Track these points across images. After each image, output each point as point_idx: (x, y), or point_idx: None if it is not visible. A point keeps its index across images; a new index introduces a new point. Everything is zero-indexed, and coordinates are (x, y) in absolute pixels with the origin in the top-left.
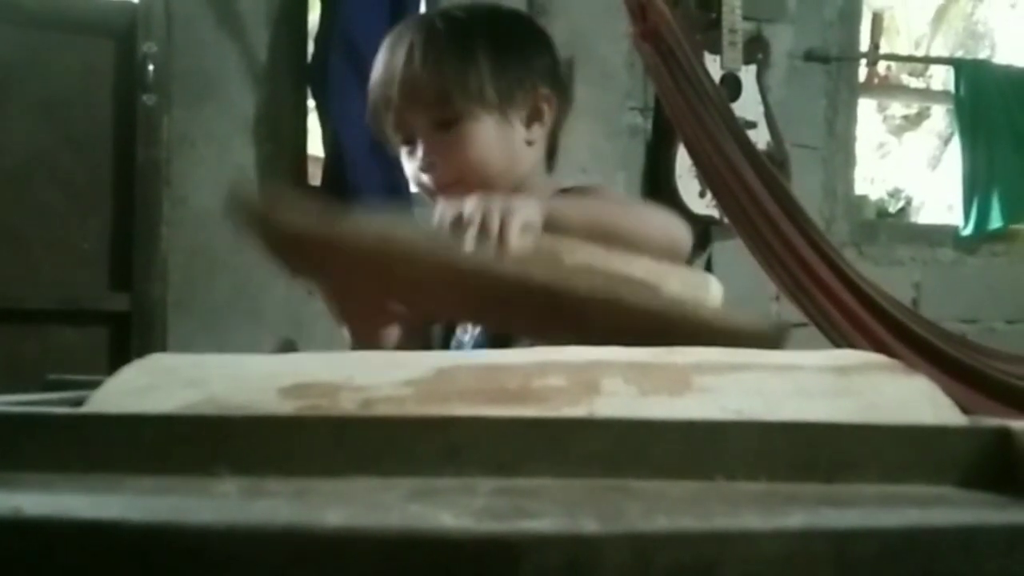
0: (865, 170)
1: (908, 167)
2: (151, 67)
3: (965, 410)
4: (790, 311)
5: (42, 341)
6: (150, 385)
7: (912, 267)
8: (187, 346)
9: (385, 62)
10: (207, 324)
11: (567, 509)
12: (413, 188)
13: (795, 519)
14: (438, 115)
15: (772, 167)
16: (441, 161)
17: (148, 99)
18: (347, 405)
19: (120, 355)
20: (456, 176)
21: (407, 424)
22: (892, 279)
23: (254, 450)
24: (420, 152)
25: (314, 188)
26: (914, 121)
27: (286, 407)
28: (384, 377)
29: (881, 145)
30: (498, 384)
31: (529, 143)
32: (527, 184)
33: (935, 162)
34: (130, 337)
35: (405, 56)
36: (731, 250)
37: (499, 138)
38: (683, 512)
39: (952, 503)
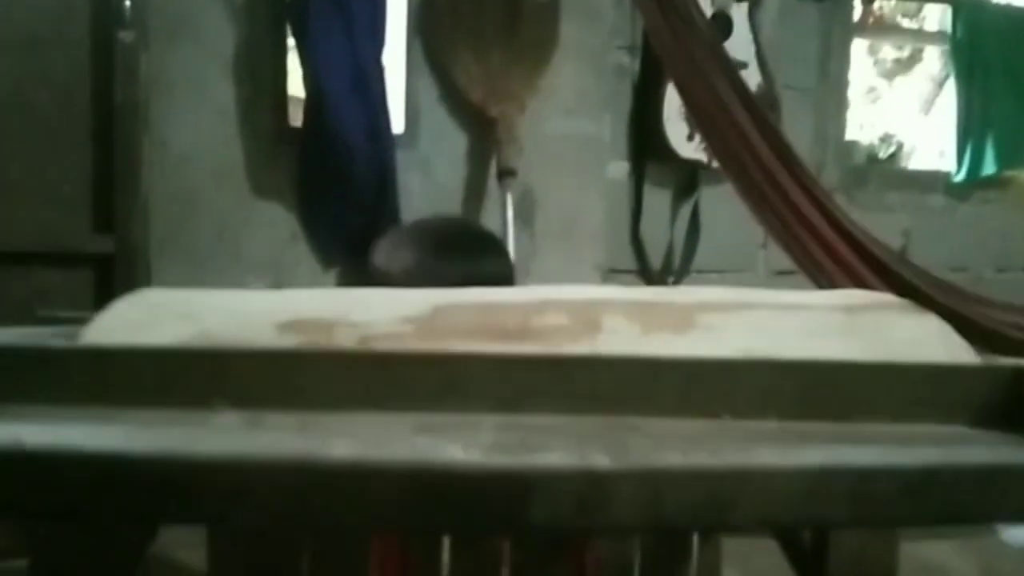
0: (855, 114)
1: (899, 112)
2: (128, 2)
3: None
4: (777, 258)
5: (27, 283)
6: (143, 319)
7: (902, 213)
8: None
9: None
10: (190, 267)
11: (575, 444)
12: None
13: (812, 456)
14: None
15: (766, 111)
16: None
17: (126, 36)
18: (345, 342)
19: (105, 297)
20: None
21: (409, 359)
22: (882, 225)
23: (254, 384)
24: None
25: (295, 130)
26: (906, 64)
27: (284, 342)
28: (381, 314)
29: (871, 89)
30: (497, 322)
31: None
32: None
33: (928, 106)
34: (114, 279)
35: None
36: (718, 195)
37: None
38: (694, 449)
39: (969, 441)
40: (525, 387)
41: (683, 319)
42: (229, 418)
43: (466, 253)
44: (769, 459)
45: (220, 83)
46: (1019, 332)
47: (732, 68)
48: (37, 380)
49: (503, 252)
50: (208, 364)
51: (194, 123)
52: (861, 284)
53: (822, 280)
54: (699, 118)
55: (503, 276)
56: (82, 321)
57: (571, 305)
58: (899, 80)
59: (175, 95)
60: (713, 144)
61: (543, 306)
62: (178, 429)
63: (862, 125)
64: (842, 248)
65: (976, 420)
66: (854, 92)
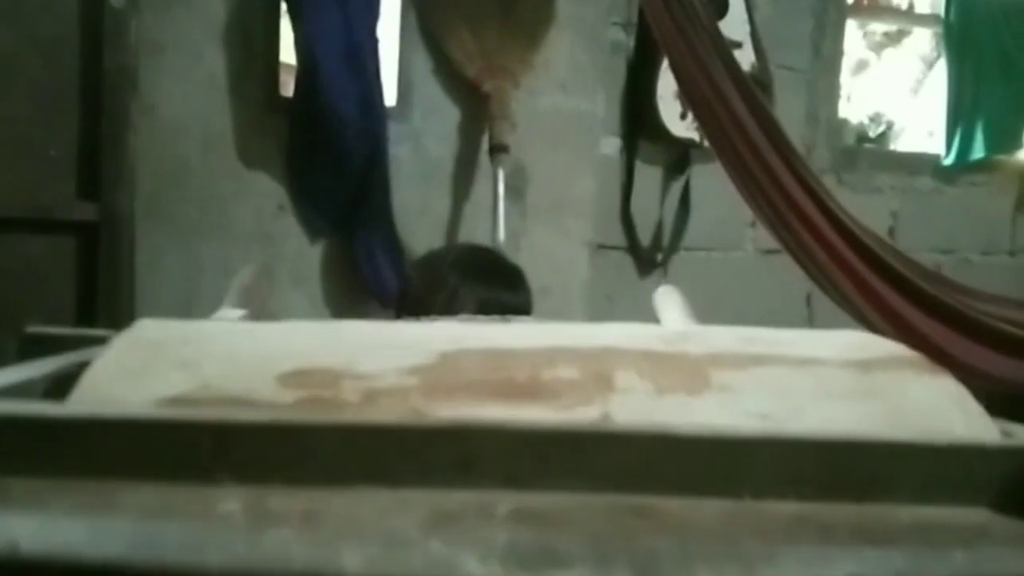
0: (845, 88)
1: (889, 89)
2: None
3: (942, 352)
4: (766, 237)
5: (10, 250)
6: (140, 367)
7: (891, 195)
8: (157, 259)
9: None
10: (176, 236)
11: (596, 550)
12: None
13: (839, 569)
14: None
15: (759, 93)
16: None
17: (116, 2)
18: (350, 396)
19: (89, 265)
20: None
21: (419, 432)
22: (870, 207)
23: (259, 457)
24: None
25: (285, 100)
26: (895, 38)
27: (286, 397)
28: (388, 362)
29: (860, 63)
30: (506, 374)
31: None
32: None
33: (917, 86)
34: (99, 247)
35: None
36: (710, 174)
37: None
38: (719, 553)
39: (996, 540)
40: (540, 463)
41: (697, 376)
42: (233, 503)
43: (492, 282)
44: (799, 572)
45: (212, 50)
46: (1008, 326)
47: (729, 53)
48: (26, 451)
49: (525, 286)
50: (212, 435)
51: (184, 90)
52: (848, 270)
53: (810, 265)
54: (693, 101)
55: (523, 308)
56: (74, 342)
57: (582, 355)
58: (888, 52)
59: (165, 61)
60: (706, 127)
61: (553, 356)
62: (180, 523)
63: (849, 97)
64: (833, 237)
65: (1000, 503)
66: (844, 65)
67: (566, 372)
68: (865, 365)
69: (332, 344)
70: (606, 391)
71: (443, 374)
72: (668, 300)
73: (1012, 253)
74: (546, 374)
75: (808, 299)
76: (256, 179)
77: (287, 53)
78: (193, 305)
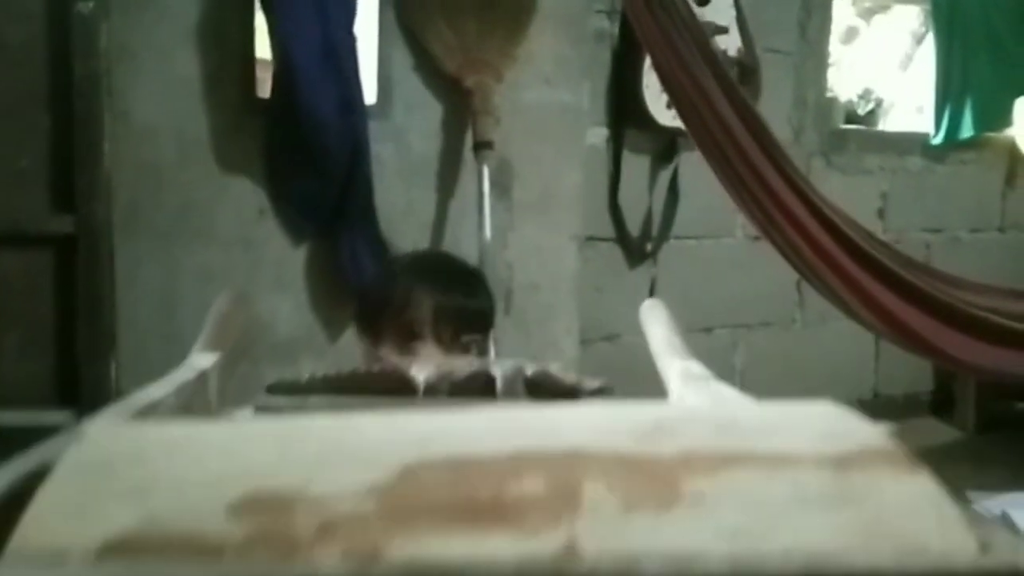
0: (835, 57)
1: (878, 61)
2: None
3: (931, 346)
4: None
5: None
6: (85, 500)
7: (880, 176)
8: (136, 269)
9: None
10: (156, 245)
11: None
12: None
13: None
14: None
15: (743, 92)
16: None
17: (83, 6)
18: (303, 529)
19: (67, 279)
20: None
21: None
22: (860, 189)
23: None
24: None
25: (263, 101)
26: (884, 4)
27: (236, 533)
28: (346, 479)
29: (851, 31)
30: (470, 491)
31: None
32: None
33: (907, 60)
34: (76, 261)
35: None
36: (698, 161)
37: None
38: None
39: None
40: None
41: (668, 486)
42: None
43: (448, 287)
44: None
45: (185, 53)
46: (997, 316)
47: (713, 53)
48: None
49: (485, 290)
50: None
51: (158, 95)
52: (837, 267)
53: (795, 259)
54: (678, 102)
55: (482, 312)
56: (36, 435)
57: (548, 462)
58: (878, 19)
59: (138, 66)
60: (692, 128)
61: (519, 464)
62: None
63: (839, 66)
64: (818, 232)
65: None
66: (833, 34)
67: (532, 485)
68: (841, 463)
69: (288, 456)
70: (573, 509)
71: (403, 494)
72: (654, 316)
73: (1002, 229)
74: (511, 489)
75: (798, 284)
76: (235, 183)
77: (265, 49)
78: (175, 314)
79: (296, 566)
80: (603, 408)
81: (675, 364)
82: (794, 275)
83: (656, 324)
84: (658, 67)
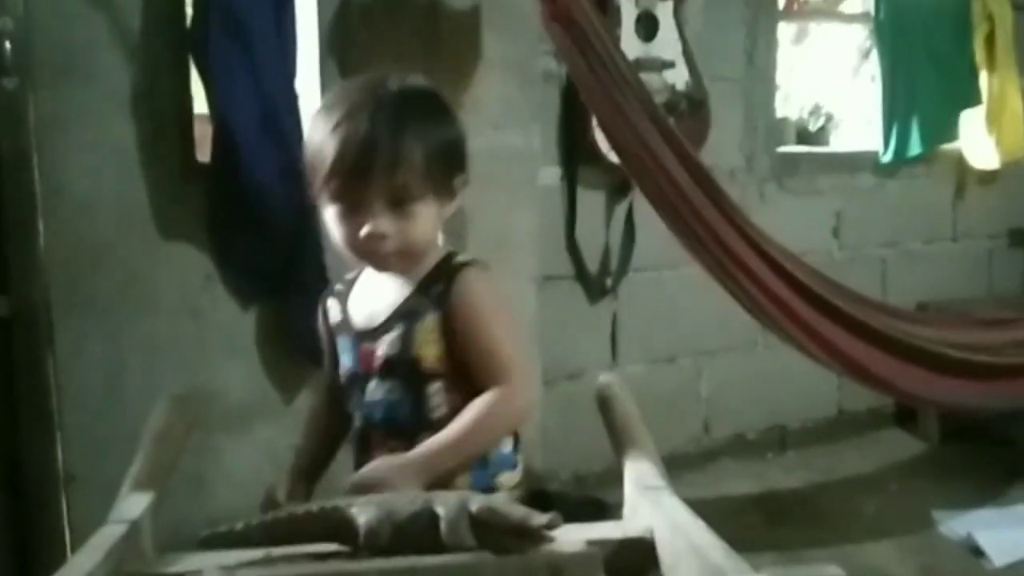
0: (785, 62)
1: (826, 73)
2: (8, 45)
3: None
4: None
5: None
6: None
7: (833, 196)
8: (78, 348)
9: (337, 131)
10: (97, 322)
11: None
12: (343, 249)
13: None
14: (396, 194)
15: (688, 144)
16: (392, 234)
17: (8, 82)
18: None
19: (3, 364)
20: (400, 248)
21: None
22: (814, 209)
23: None
24: (370, 224)
25: (203, 165)
26: (831, 3)
27: None
28: None
29: (800, 32)
30: None
31: (443, 219)
32: (428, 253)
33: (854, 74)
34: (12, 344)
35: (365, 134)
36: None
37: (435, 216)
38: None
39: None
40: None
41: None
42: None
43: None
44: None
45: (118, 122)
46: (951, 350)
47: (657, 111)
48: None
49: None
50: None
51: (93, 165)
52: (792, 314)
53: (754, 310)
54: (627, 161)
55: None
56: None
57: None
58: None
59: (69, 139)
60: (641, 183)
61: None
62: None
63: (791, 69)
64: (773, 281)
65: None
66: (783, 37)
67: None
68: None
69: None
70: None
71: None
72: (610, 396)
73: (954, 239)
74: None
75: None
76: (178, 250)
77: (202, 106)
78: (122, 390)
79: None
80: None
81: (631, 467)
82: None
83: (612, 410)
84: (603, 125)
